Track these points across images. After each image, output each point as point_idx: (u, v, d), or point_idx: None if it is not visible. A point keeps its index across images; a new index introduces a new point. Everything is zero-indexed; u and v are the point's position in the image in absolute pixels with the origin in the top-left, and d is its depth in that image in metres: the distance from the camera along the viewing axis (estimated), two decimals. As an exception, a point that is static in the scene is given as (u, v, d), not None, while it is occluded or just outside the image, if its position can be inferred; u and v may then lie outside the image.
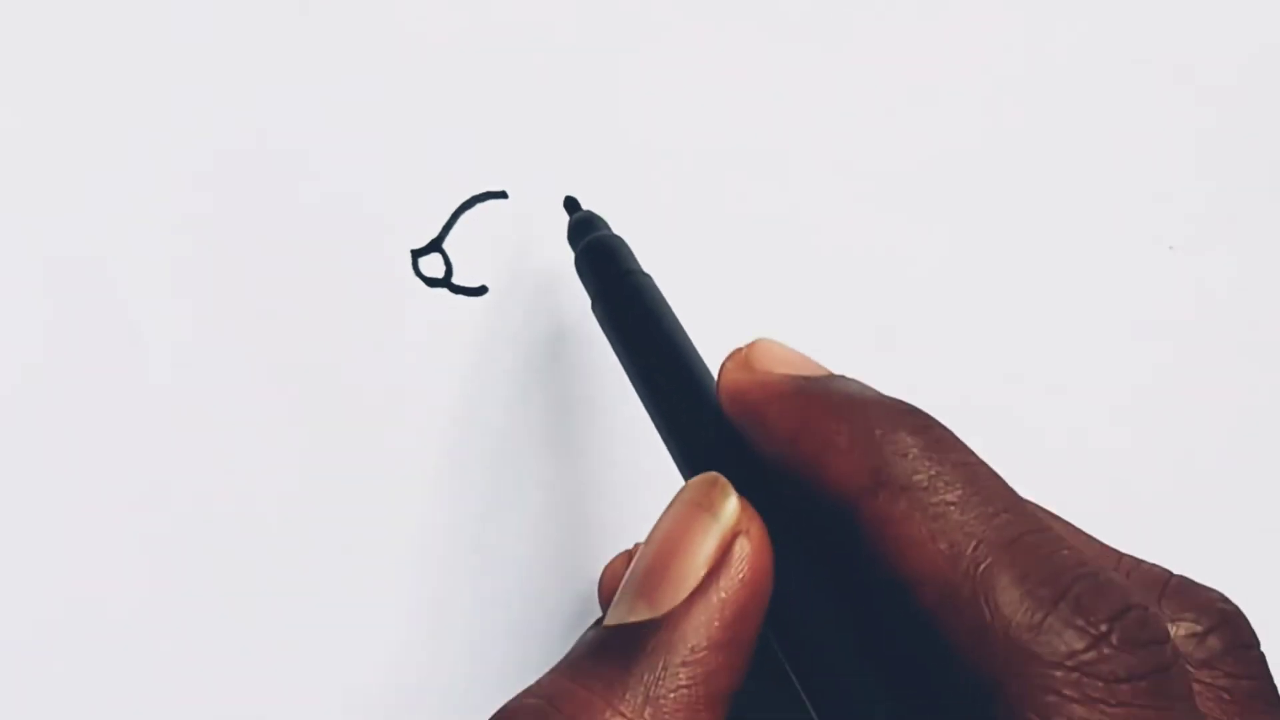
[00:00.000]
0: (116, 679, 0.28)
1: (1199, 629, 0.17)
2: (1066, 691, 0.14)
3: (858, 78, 0.33)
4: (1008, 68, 0.33)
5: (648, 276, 0.25)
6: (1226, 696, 0.17)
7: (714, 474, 0.18)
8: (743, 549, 0.17)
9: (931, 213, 0.33)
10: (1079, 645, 0.15)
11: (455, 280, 0.30)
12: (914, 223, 0.33)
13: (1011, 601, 0.15)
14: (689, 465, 0.20)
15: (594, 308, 0.26)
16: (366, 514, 0.29)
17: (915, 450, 0.17)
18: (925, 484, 0.16)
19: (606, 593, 0.24)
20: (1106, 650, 0.15)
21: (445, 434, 0.30)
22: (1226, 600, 0.18)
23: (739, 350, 0.20)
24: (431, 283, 0.30)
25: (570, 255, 0.27)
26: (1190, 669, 0.17)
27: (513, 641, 0.29)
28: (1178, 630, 0.17)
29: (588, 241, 0.27)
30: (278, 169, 0.30)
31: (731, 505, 0.18)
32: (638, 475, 0.31)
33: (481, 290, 0.30)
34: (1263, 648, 0.17)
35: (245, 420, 0.29)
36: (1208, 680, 0.17)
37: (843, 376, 0.19)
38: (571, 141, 0.31)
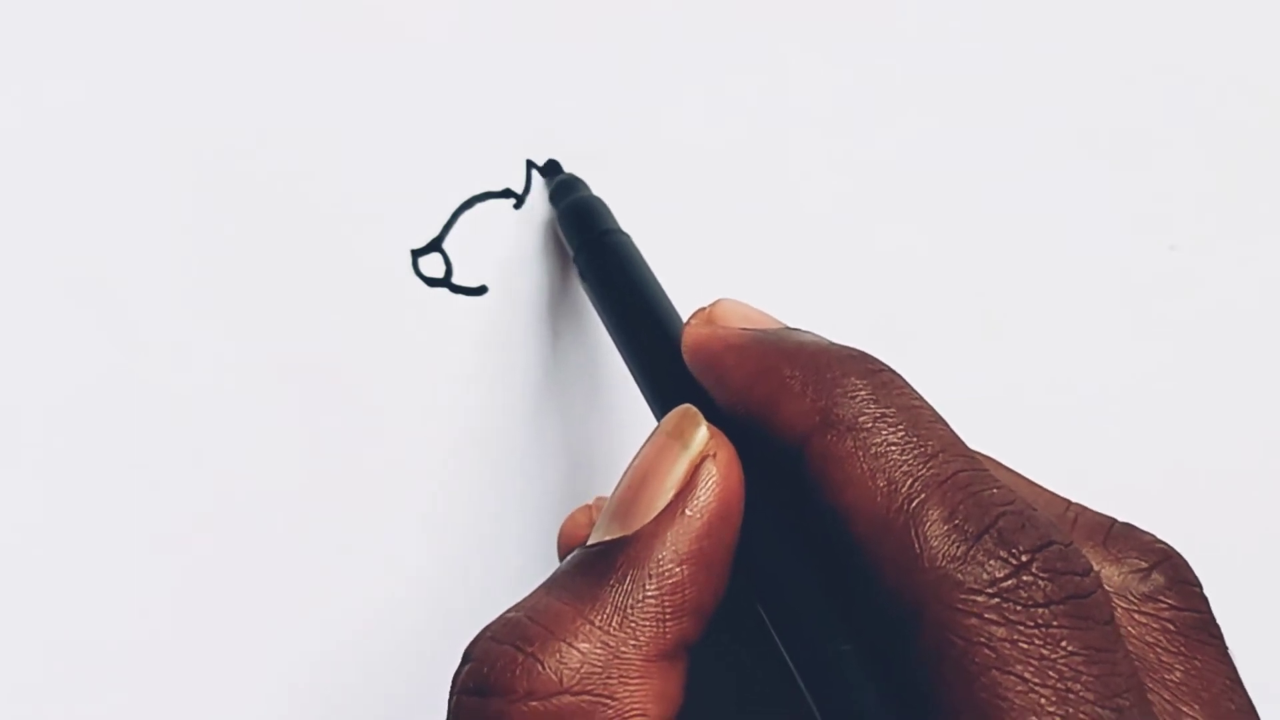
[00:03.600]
0: (120, 679, 0.28)
1: (1144, 565, 0.18)
2: (988, 615, 0.15)
3: (858, 75, 0.33)
4: (1010, 67, 0.34)
5: (626, 235, 0.27)
6: (1171, 628, 0.17)
7: (687, 405, 0.19)
8: (709, 472, 0.18)
9: (931, 211, 0.33)
10: (1000, 573, 0.15)
11: (455, 280, 0.30)
12: (913, 221, 0.33)
13: (939, 534, 0.16)
14: (661, 408, 0.22)
15: (575, 263, 0.27)
16: (365, 513, 0.29)
17: (863, 392, 0.18)
18: (869, 424, 0.17)
19: (564, 543, 0.24)
20: (1026, 577, 0.15)
21: (444, 434, 0.30)
22: (1167, 544, 0.19)
23: (702, 309, 0.21)
24: (431, 283, 0.30)
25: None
26: (1135, 603, 0.18)
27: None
28: (1123, 568, 0.18)
29: (569, 202, 0.29)
30: (277, 169, 0.30)
31: (701, 433, 0.19)
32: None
33: (481, 290, 0.30)
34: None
35: (244, 420, 0.29)
36: (1152, 612, 0.17)
37: (798, 329, 0.20)
38: (573, 140, 0.31)
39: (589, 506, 0.24)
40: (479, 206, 0.31)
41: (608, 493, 0.29)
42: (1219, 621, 0.18)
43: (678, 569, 0.17)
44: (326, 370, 0.29)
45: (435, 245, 0.30)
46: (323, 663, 0.29)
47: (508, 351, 0.30)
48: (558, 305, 0.31)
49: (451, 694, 0.17)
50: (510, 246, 0.31)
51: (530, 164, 0.31)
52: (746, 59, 0.32)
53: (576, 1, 0.32)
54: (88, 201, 0.29)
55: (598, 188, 0.30)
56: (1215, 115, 0.34)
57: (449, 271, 0.30)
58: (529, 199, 0.31)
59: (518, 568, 0.30)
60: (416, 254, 0.30)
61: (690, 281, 0.31)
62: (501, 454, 0.30)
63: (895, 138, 0.33)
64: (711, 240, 0.32)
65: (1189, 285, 0.33)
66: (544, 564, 0.30)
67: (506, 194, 0.31)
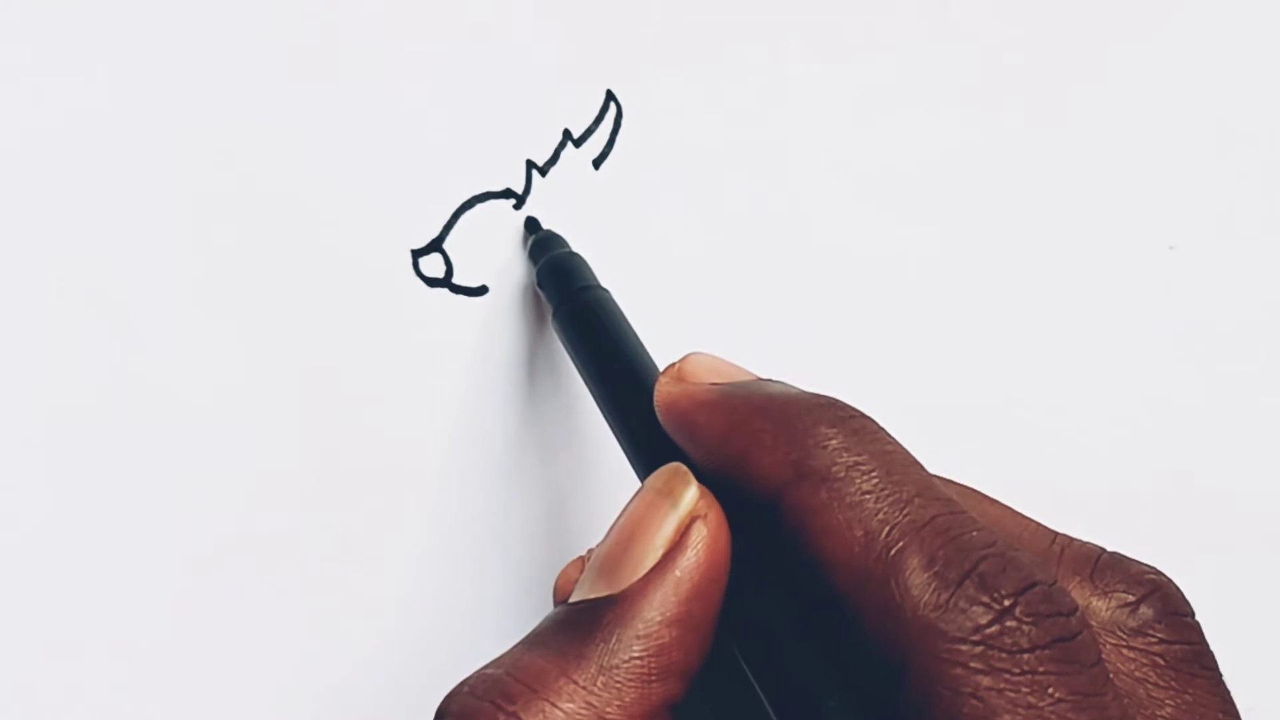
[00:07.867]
0: (121, 680, 0.28)
1: (1131, 599, 0.18)
2: (973, 664, 0.15)
3: (859, 74, 0.33)
4: (1009, 66, 0.33)
5: (604, 291, 0.27)
6: (1161, 662, 0.17)
7: (677, 464, 0.19)
8: (699, 533, 0.18)
9: (930, 212, 0.33)
10: (984, 620, 0.15)
11: (455, 280, 0.30)
12: (913, 222, 0.33)
13: (920, 583, 0.16)
14: (643, 468, 0.21)
15: (553, 320, 0.27)
16: (364, 514, 0.29)
17: (835, 442, 0.17)
18: (843, 474, 0.17)
19: (560, 595, 0.24)
20: (1010, 623, 0.15)
21: (444, 434, 0.30)
22: (1158, 572, 0.18)
23: (671, 365, 0.20)
24: (431, 283, 0.30)
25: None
26: (1123, 638, 0.17)
27: (509, 643, 0.29)
28: (1110, 601, 0.18)
29: (546, 260, 0.29)
30: (278, 169, 0.30)
31: (691, 493, 0.18)
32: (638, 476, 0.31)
33: (481, 290, 0.30)
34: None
35: (243, 420, 0.29)
36: (1141, 647, 0.17)
37: (768, 380, 0.20)
38: (572, 140, 0.31)
39: (582, 559, 0.24)
40: (479, 206, 0.31)
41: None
42: (1221, 631, 0.18)
43: (664, 630, 0.17)
44: (327, 370, 0.29)
45: (435, 245, 0.30)
46: (321, 663, 0.29)
47: (508, 352, 0.30)
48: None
49: None
50: (510, 246, 0.31)
51: (530, 164, 0.31)
52: (747, 59, 0.32)
53: (579, 3, 0.32)
54: (89, 203, 0.29)
55: (599, 187, 0.30)
56: (1215, 115, 0.34)
57: (449, 271, 0.30)
58: (529, 199, 0.31)
59: (517, 568, 0.30)
60: (416, 254, 0.30)
61: (691, 280, 0.31)
62: (503, 454, 0.30)
63: (895, 138, 0.33)
64: (711, 240, 0.32)
65: (1189, 285, 0.33)
66: (543, 563, 0.30)
67: (506, 194, 0.31)
